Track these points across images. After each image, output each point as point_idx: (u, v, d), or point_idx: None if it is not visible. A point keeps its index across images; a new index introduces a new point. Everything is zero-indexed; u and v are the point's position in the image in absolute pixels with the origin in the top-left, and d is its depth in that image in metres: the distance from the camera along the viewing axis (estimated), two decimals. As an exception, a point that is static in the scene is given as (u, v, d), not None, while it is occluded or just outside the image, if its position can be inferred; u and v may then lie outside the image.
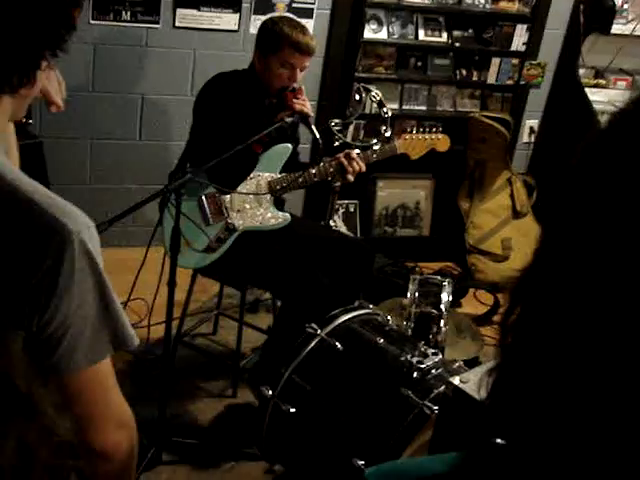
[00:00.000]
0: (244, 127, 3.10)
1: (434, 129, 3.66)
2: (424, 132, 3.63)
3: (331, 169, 3.39)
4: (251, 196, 3.32)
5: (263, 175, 3.33)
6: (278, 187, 3.33)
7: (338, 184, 3.62)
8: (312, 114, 3.38)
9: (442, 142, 3.65)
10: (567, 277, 0.58)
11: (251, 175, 3.31)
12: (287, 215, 3.40)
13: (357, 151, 3.44)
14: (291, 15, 4.29)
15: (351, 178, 3.41)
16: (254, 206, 3.35)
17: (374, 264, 3.69)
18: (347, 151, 3.44)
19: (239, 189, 3.28)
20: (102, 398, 1.32)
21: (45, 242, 1.15)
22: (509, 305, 0.65)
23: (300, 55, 3.23)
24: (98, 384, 1.31)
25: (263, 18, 4.18)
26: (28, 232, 1.14)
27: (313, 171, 3.37)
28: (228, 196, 3.29)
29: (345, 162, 3.37)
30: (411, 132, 3.62)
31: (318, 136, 3.24)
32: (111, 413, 1.33)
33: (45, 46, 1.18)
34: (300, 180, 3.34)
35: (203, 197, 3.26)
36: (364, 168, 3.43)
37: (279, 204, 3.47)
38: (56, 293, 1.17)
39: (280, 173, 3.35)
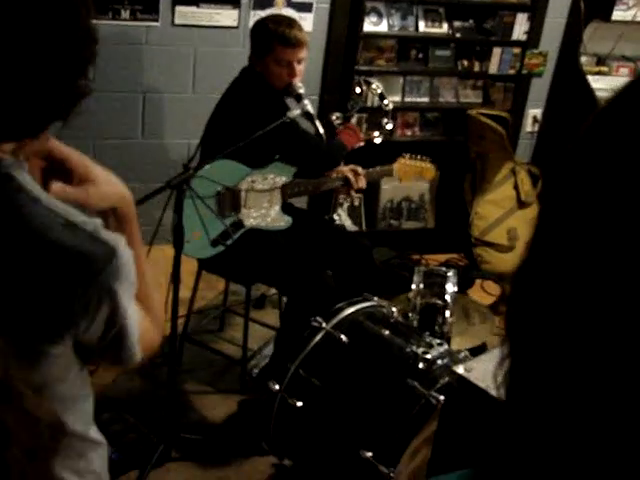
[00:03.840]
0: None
1: (424, 157, 3.88)
2: (416, 159, 3.85)
3: (337, 182, 3.54)
4: (265, 197, 3.35)
5: (280, 178, 3.38)
6: (289, 191, 3.41)
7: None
8: (365, 186, 3.64)
9: (429, 171, 3.89)
10: (565, 261, 0.57)
11: (268, 177, 3.35)
12: (290, 219, 3.45)
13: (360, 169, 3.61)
14: (290, 10, 4.30)
15: (354, 194, 3.67)
16: (265, 206, 3.38)
17: (375, 257, 3.78)
18: (352, 166, 3.58)
19: (256, 187, 3.30)
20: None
21: (85, 263, 1.16)
22: (510, 296, 0.64)
23: (292, 49, 3.23)
24: None
25: (263, 14, 4.19)
26: (68, 256, 1.15)
27: (322, 181, 3.51)
28: (244, 192, 3.30)
29: (351, 177, 3.52)
30: (404, 156, 3.83)
31: (322, 131, 3.26)
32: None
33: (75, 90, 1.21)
34: (310, 188, 3.50)
35: (223, 190, 3.26)
36: (365, 185, 3.61)
37: (285, 204, 3.51)
38: (102, 306, 1.19)
39: (293, 177, 3.42)
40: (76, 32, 1.15)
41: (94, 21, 1.18)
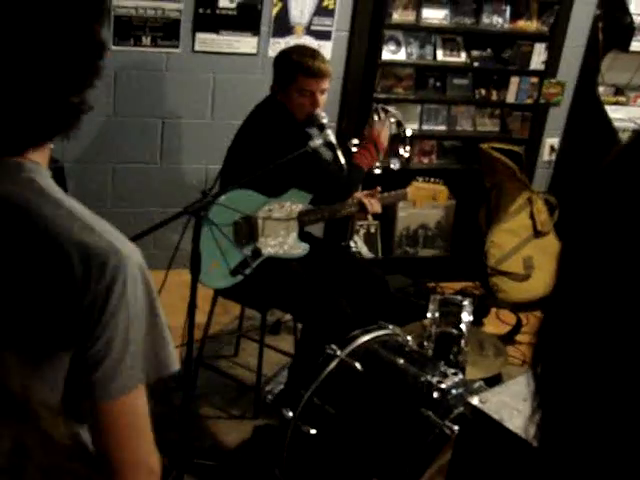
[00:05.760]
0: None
1: (437, 180, 3.91)
2: (429, 182, 3.88)
3: (353, 207, 3.55)
4: (282, 225, 3.37)
5: (296, 206, 3.40)
6: (306, 218, 3.43)
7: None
8: (380, 210, 3.64)
9: (442, 193, 3.90)
10: (591, 295, 0.57)
11: (284, 205, 3.37)
12: (307, 246, 3.48)
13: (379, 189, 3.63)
14: (309, 38, 4.34)
15: (370, 218, 3.69)
16: (283, 234, 3.40)
17: (389, 287, 3.75)
18: (367, 192, 3.60)
19: (273, 215, 3.32)
20: (135, 435, 1.28)
21: (101, 265, 1.17)
22: (537, 336, 0.63)
23: (315, 80, 3.26)
24: (132, 415, 1.27)
25: (282, 41, 4.24)
26: (85, 256, 1.17)
27: (337, 207, 3.52)
28: (261, 221, 3.31)
29: (366, 202, 3.53)
30: (418, 180, 3.87)
31: (343, 161, 3.27)
32: (143, 457, 1.28)
33: (81, 87, 1.20)
34: (326, 214, 3.52)
35: (239, 219, 3.28)
36: (380, 210, 3.62)
37: (301, 232, 3.53)
38: (107, 312, 1.18)
39: (309, 204, 3.44)
40: (86, 44, 1.17)
41: (103, 36, 1.20)
